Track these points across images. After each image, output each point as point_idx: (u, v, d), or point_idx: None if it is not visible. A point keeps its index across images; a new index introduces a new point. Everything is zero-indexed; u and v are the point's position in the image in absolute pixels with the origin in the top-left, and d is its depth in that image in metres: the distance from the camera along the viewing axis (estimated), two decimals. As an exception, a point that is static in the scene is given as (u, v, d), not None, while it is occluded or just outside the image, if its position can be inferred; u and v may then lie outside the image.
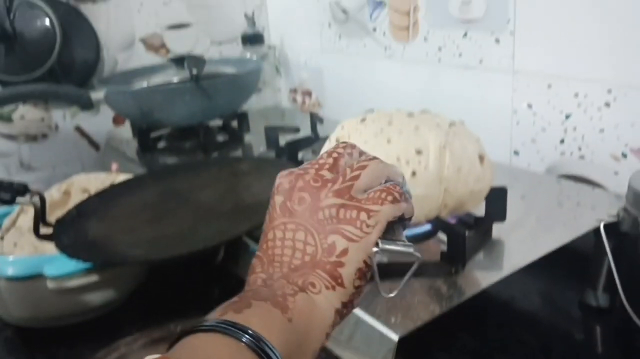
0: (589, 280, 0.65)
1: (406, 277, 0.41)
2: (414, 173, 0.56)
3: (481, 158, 0.61)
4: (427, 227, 0.61)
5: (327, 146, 0.65)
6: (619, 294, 0.60)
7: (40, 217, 0.71)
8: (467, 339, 0.61)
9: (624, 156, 0.75)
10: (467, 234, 0.56)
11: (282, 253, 0.37)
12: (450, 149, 0.58)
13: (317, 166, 0.39)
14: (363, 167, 0.39)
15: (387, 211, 0.38)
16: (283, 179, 0.39)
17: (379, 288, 0.39)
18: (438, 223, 0.58)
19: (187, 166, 0.90)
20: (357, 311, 0.52)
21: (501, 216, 0.63)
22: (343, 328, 0.52)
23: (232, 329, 0.31)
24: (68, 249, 0.64)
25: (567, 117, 0.80)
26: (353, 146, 0.41)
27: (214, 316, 0.33)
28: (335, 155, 0.40)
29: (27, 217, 0.79)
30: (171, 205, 0.76)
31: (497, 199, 0.63)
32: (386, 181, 0.39)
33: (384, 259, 0.38)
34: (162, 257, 0.62)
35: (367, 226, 0.37)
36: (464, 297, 0.53)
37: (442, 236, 0.61)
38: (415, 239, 0.62)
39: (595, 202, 0.72)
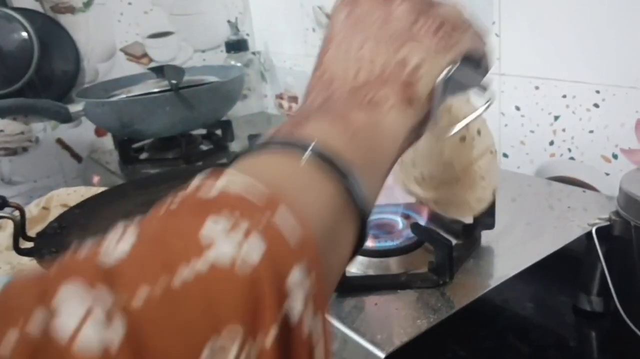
0: (583, 284, 0.64)
1: (474, 114, 0.36)
2: (463, 138, 0.54)
3: (494, 191, 0.59)
4: (413, 237, 0.60)
5: None
6: (613, 298, 0.59)
7: (20, 231, 0.68)
8: (459, 348, 0.59)
9: (615, 156, 0.74)
10: (454, 244, 0.54)
11: (346, 70, 0.32)
12: (493, 159, 0.57)
13: None
14: (444, 5, 0.34)
15: (471, 37, 0.34)
16: None
17: (436, 126, 0.34)
18: (424, 233, 0.56)
19: (170, 175, 0.88)
20: (343, 328, 0.50)
21: (490, 224, 0.62)
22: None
23: (292, 144, 0.27)
24: (49, 264, 0.61)
25: (556, 118, 0.79)
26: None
27: (268, 135, 0.29)
28: None
29: (5, 235, 0.77)
30: None
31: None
32: None
33: (451, 87, 0.33)
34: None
35: (449, 39, 0.32)
36: (453, 309, 0.51)
37: (429, 246, 0.59)
38: (402, 250, 0.60)
39: (587, 205, 0.71)
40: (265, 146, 0.28)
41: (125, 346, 0.18)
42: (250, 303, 0.20)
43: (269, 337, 0.20)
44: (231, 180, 0.24)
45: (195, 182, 0.24)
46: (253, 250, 0.21)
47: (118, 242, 0.21)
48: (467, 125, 0.50)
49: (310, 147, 0.27)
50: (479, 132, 0.55)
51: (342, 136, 0.29)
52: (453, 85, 0.33)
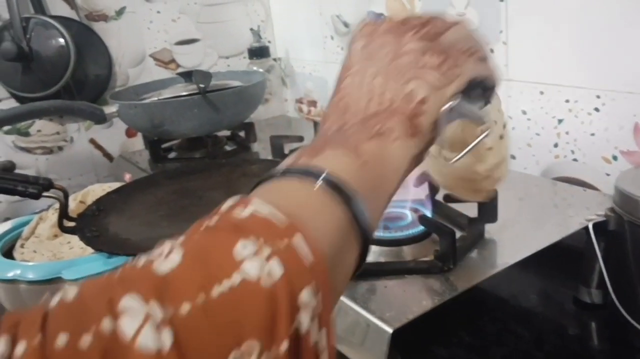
0: (583, 278, 0.67)
1: (473, 144, 0.38)
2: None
3: (504, 167, 0.61)
4: (421, 228, 0.65)
5: None
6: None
7: (64, 211, 0.74)
8: (463, 333, 0.64)
9: (615, 158, 0.78)
10: (457, 233, 0.59)
11: (359, 100, 0.35)
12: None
13: (404, 17, 0.37)
14: (451, 25, 0.37)
15: (474, 65, 0.36)
16: (366, 24, 0.38)
17: (443, 152, 0.38)
18: (430, 224, 0.61)
19: (200, 167, 0.94)
20: (357, 308, 0.55)
21: (492, 217, 0.66)
22: (340, 323, 0.56)
23: (308, 173, 0.31)
24: (92, 241, 0.67)
25: (560, 122, 0.83)
26: (447, 20, 0.38)
27: (288, 162, 0.33)
28: (427, 18, 0.37)
29: (45, 226, 0.84)
30: (185, 202, 0.79)
31: (488, 201, 0.66)
32: None
33: (452, 118, 0.36)
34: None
35: (453, 72, 0.35)
36: (456, 292, 0.56)
37: (436, 237, 0.64)
38: (411, 240, 0.65)
39: (587, 203, 0.75)
40: (286, 174, 0.32)
41: (174, 350, 0.23)
42: (268, 319, 0.25)
43: (282, 348, 0.25)
44: (257, 209, 0.28)
45: (229, 203, 0.29)
46: (273, 272, 0.26)
47: (167, 257, 0.26)
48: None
49: (322, 177, 0.31)
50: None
51: (352, 166, 0.32)
52: (455, 115, 0.37)
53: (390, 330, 0.51)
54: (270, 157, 1.05)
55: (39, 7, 1.13)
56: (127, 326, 0.23)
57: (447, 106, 0.35)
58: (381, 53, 0.36)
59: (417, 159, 0.37)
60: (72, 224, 0.73)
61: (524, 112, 0.88)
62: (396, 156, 0.34)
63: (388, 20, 0.38)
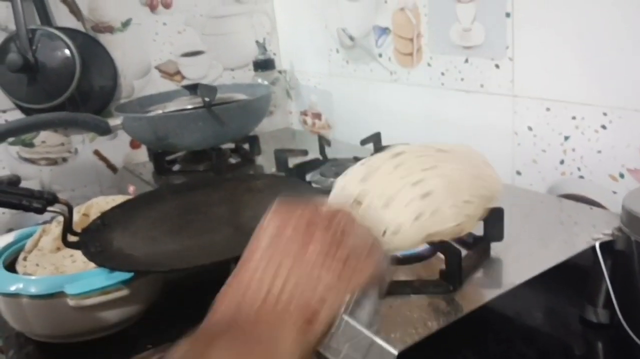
0: (589, 297, 0.67)
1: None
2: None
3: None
4: (427, 247, 0.64)
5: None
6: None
7: (68, 226, 0.74)
8: (468, 352, 0.63)
9: (622, 176, 0.77)
10: (463, 252, 0.58)
11: (259, 289, 0.37)
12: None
13: (313, 212, 0.40)
14: (355, 230, 0.40)
15: (373, 265, 0.39)
16: (277, 212, 0.40)
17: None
18: (436, 243, 0.61)
19: (204, 182, 0.94)
20: (361, 328, 0.54)
21: (499, 235, 0.66)
22: (342, 338, 0.55)
23: None
24: (95, 257, 0.67)
25: (566, 138, 0.83)
26: (352, 220, 0.41)
27: (182, 348, 0.33)
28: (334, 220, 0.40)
29: (48, 239, 0.83)
30: (190, 218, 0.79)
31: (494, 220, 0.66)
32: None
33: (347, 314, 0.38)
34: (186, 267, 0.64)
35: (352, 276, 0.37)
36: (462, 313, 0.56)
37: (441, 256, 0.63)
38: (416, 259, 0.65)
39: (594, 221, 0.74)
40: None
41: None
42: None
43: None
44: None
45: None
46: None
47: None
48: None
49: None
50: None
51: None
52: (350, 311, 0.39)
53: (395, 352, 0.50)
54: (274, 170, 1.04)
55: (45, 19, 1.14)
56: None
57: (343, 307, 0.37)
58: (287, 249, 0.37)
59: (313, 353, 0.38)
60: (75, 238, 0.73)
61: (530, 129, 0.87)
62: (290, 355, 0.35)
63: (299, 213, 0.39)
